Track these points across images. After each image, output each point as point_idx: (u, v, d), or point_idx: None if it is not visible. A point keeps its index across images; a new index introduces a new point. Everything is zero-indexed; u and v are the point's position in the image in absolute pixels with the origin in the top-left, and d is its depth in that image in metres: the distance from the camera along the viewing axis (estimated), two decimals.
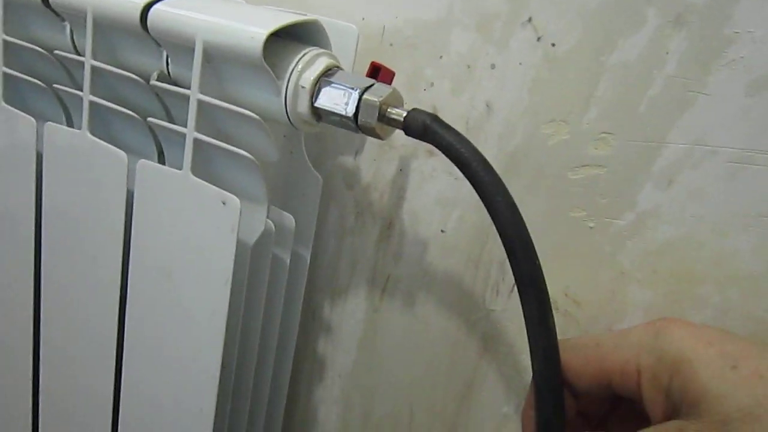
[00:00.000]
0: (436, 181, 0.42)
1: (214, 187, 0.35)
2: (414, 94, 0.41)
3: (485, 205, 0.30)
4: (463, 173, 0.31)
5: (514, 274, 0.29)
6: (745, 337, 0.24)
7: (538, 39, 0.37)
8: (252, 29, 0.32)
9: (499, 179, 0.30)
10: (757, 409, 0.21)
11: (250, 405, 0.46)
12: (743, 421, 0.21)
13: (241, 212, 0.35)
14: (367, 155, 0.44)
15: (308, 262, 0.44)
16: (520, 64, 0.38)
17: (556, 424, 0.28)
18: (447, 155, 0.31)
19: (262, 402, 0.47)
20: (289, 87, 0.34)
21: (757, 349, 0.23)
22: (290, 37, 0.35)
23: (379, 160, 0.44)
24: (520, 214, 0.29)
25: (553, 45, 0.37)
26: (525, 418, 0.30)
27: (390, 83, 0.35)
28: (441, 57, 0.40)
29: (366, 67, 0.36)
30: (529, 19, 0.37)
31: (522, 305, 0.29)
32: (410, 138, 0.33)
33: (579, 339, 0.28)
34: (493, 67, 0.39)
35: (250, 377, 0.44)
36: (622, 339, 0.26)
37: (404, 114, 0.33)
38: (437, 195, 0.42)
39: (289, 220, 0.41)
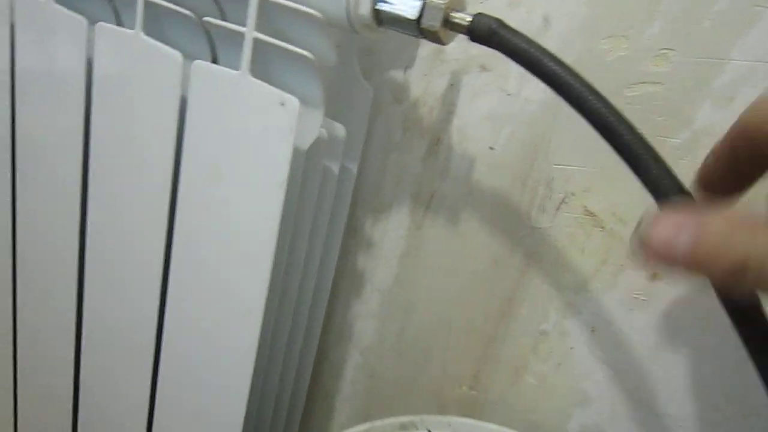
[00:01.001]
0: (488, 96, 0.42)
1: (273, 87, 0.35)
2: (471, 7, 0.40)
3: (570, 102, 0.30)
4: (538, 76, 0.30)
5: (621, 154, 0.29)
6: None
7: None
8: None
9: (578, 73, 0.30)
10: None
11: (293, 313, 0.47)
12: None
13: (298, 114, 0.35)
14: (418, 70, 0.44)
15: (355, 175, 0.45)
16: None
17: None
18: (516, 60, 0.31)
19: (304, 311, 0.48)
20: None
21: None
22: None
23: (429, 74, 0.43)
24: (607, 99, 0.29)
25: None
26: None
27: None
28: None
29: None
30: None
31: (639, 175, 0.30)
32: (462, 52, 0.32)
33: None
34: None
35: (296, 285, 0.45)
36: None
37: (469, 18, 0.32)
38: (488, 111, 0.42)
39: (340, 129, 0.41)
